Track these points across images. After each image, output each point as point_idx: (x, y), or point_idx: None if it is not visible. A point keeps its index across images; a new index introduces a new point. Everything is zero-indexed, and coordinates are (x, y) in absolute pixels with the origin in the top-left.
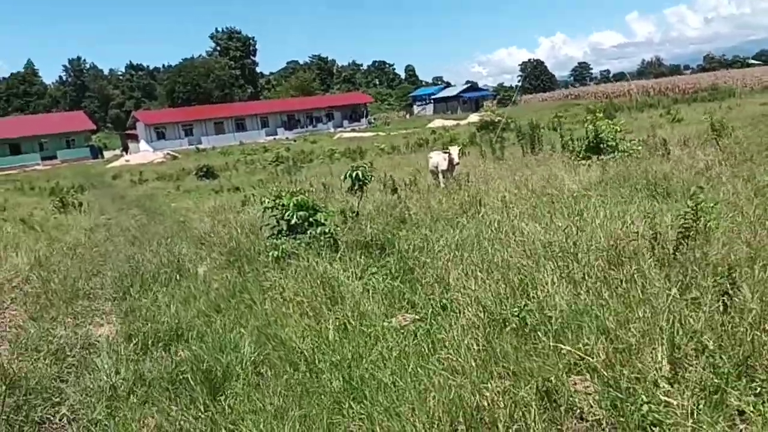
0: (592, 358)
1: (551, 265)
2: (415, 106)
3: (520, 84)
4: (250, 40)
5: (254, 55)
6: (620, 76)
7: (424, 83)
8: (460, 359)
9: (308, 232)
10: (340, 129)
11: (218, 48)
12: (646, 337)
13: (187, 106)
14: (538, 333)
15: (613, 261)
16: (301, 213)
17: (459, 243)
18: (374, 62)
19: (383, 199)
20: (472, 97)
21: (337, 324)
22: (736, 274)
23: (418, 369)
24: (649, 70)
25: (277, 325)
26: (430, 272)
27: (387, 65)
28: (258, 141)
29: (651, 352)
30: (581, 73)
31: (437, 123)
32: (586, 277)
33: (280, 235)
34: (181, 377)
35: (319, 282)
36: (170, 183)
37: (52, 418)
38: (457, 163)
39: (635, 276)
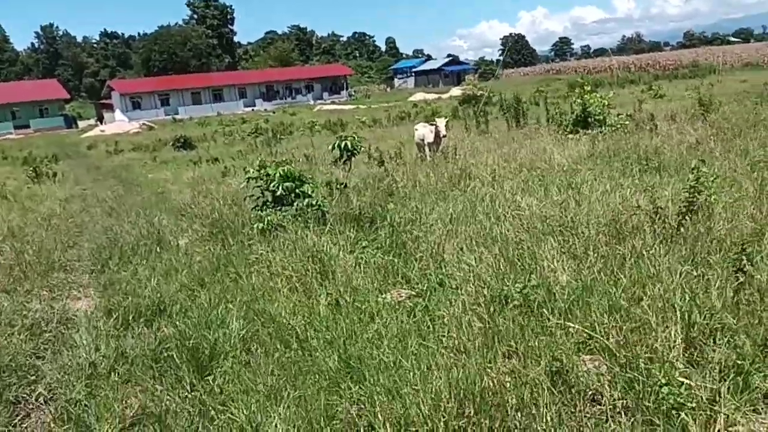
0: (603, 336)
1: (552, 240)
2: (396, 79)
3: (502, 58)
4: (228, 9)
5: (232, 24)
6: (600, 52)
7: (404, 56)
8: (462, 337)
9: (295, 204)
10: (319, 101)
11: (195, 16)
12: (660, 315)
13: (164, 76)
14: (544, 310)
15: (615, 235)
16: (287, 184)
17: (452, 216)
18: (354, 34)
19: (369, 172)
20: (453, 71)
21: (329, 299)
22: (750, 250)
23: (420, 348)
24: (630, 47)
25: (265, 300)
26: (423, 246)
27: (367, 37)
28: (236, 112)
29: (665, 331)
30: (562, 48)
31: (419, 96)
32: (589, 252)
33: (265, 207)
34: (165, 355)
35: (308, 256)
36: (147, 154)
37: (27, 398)
38: (444, 136)
39: (642, 251)
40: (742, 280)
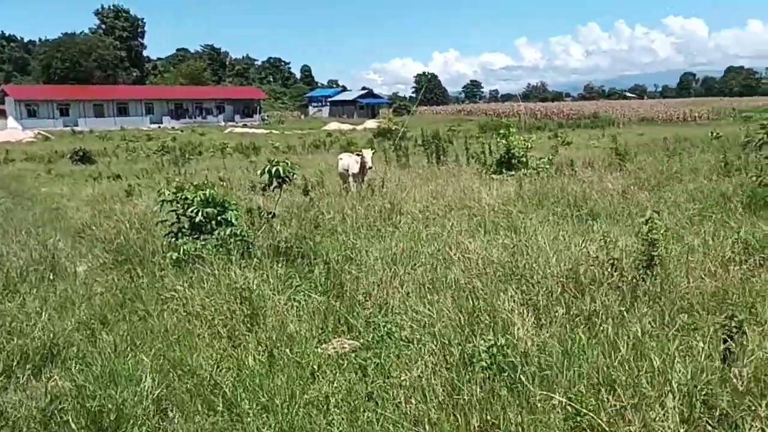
0: (593, 412)
1: (510, 290)
2: (310, 107)
3: (418, 96)
4: (139, 21)
5: (142, 38)
6: (508, 97)
7: (320, 85)
8: (424, 405)
9: (215, 232)
10: (231, 123)
11: (104, 26)
12: (656, 389)
13: (65, 85)
14: (520, 376)
15: (575, 287)
16: (208, 210)
17: (393, 256)
18: (270, 58)
19: (292, 201)
20: (368, 104)
21: (260, 349)
22: (742, 317)
23: (375, 417)
24: (535, 94)
25: (182, 347)
26: (364, 288)
27: (283, 63)
28: (141, 128)
29: (663, 407)
30: (472, 90)
31: (333, 126)
32: (551, 305)
33: (180, 235)
34: (59, 418)
35: (233, 294)
36: (41, 165)
37: None
38: (370, 167)
39: (608, 309)
40: (733, 350)
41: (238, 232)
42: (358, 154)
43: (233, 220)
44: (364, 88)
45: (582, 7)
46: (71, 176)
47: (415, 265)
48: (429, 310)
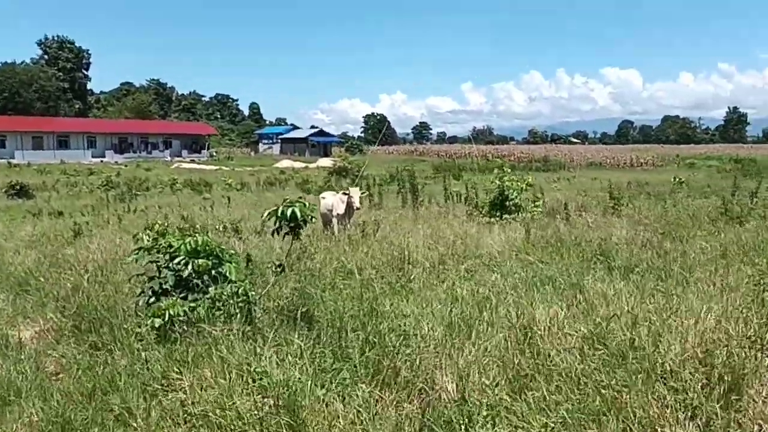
0: None
1: (647, 384)
2: (261, 144)
3: (381, 136)
4: (84, 53)
5: (87, 69)
6: (454, 139)
7: (268, 122)
8: None
9: (210, 290)
10: (178, 158)
11: (46, 56)
12: None
13: (2, 115)
14: None
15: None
16: (200, 262)
17: (449, 325)
18: (217, 95)
19: (272, 246)
20: (320, 142)
21: None
22: None
23: None
24: (481, 137)
25: None
26: (423, 371)
27: (231, 100)
28: (82, 162)
29: None
30: (421, 132)
31: (286, 163)
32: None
33: (162, 293)
34: None
35: (257, 387)
36: None
37: None
38: (358, 208)
39: None
40: None
41: (239, 291)
42: (344, 194)
43: (232, 276)
44: (313, 127)
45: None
46: (7, 212)
47: (480, 338)
48: (540, 413)
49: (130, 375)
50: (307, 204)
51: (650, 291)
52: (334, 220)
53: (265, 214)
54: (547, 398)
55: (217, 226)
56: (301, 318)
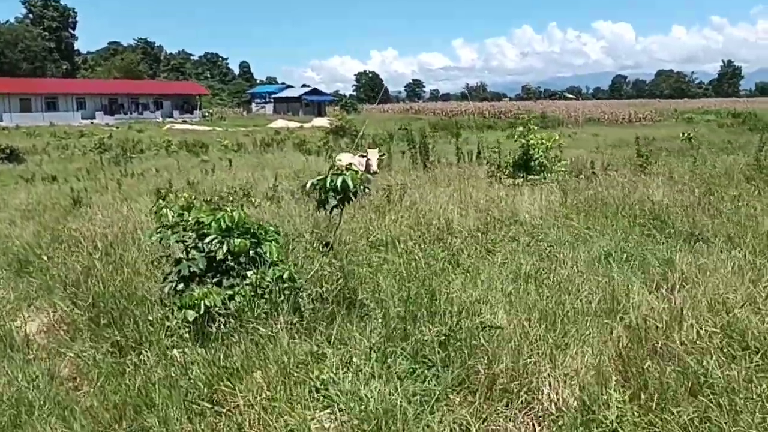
0: None
1: None
2: (253, 104)
3: (380, 95)
4: (70, 12)
5: (74, 29)
6: (447, 97)
7: (258, 81)
8: None
9: (247, 275)
10: (170, 119)
11: (31, 15)
12: None
13: None
14: None
15: None
16: (237, 241)
17: (536, 316)
18: (206, 54)
19: (294, 215)
20: (314, 101)
21: None
22: None
23: None
24: (475, 94)
25: None
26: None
27: (220, 59)
28: (72, 124)
29: None
30: (414, 89)
31: (280, 123)
32: None
33: (192, 278)
34: None
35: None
36: None
37: None
38: (375, 172)
39: None
40: None
41: (285, 276)
42: (362, 155)
43: (273, 257)
44: (305, 85)
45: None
46: None
47: (579, 332)
48: None
49: (167, 385)
50: (357, 172)
51: (744, 266)
52: None
53: (309, 184)
54: (701, 419)
55: (225, 191)
56: (350, 305)
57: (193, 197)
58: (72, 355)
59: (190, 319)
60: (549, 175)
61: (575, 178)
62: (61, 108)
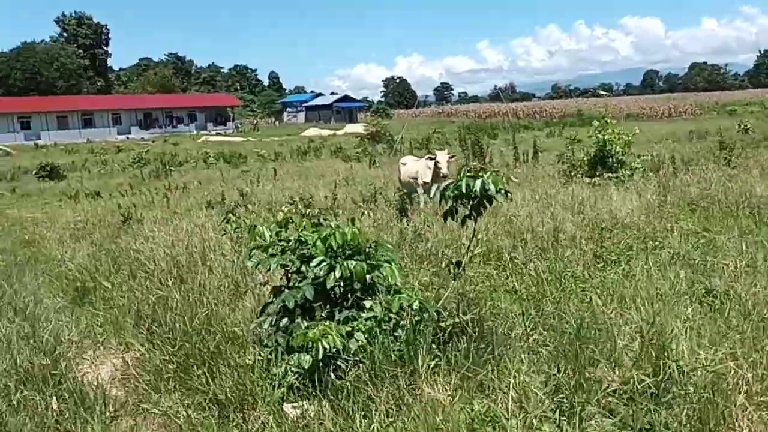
0: None
1: None
2: (284, 113)
3: (418, 98)
4: (103, 28)
5: (107, 45)
6: (474, 99)
7: (287, 91)
8: None
9: (365, 304)
10: (204, 132)
11: (65, 34)
12: None
13: (25, 96)
14: None
15: None
16: (353, 264)
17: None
18: (236, 66)
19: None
20: (346, 108)
21: None
22: None
23: None
24: (504, 95)
25: None
26: None
27: (249, 70)
28: (108, 139)
29: None
30: (442, 93)
31: (312, 131)
32: None
33: (294, 312)
34: None
35: None
36: (3, 183)
37: None
38: (445, 175)
39: None
40: None
41: (411, 303)
42: (429, 158)
43: (397, 281)
44: (333, 93)
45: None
46: (41, 195)
47: None
48: None
49: None
50: (498, 174)
51: None
52: (420, 190)
53: (434, 190)
54: None
55: (284, 201)
56: (480, 337)
57: (293, 211)
58: (158, 412)
59: (306, 366)
60: (627, 172)
61: (655, 174)
62: (98, 124)
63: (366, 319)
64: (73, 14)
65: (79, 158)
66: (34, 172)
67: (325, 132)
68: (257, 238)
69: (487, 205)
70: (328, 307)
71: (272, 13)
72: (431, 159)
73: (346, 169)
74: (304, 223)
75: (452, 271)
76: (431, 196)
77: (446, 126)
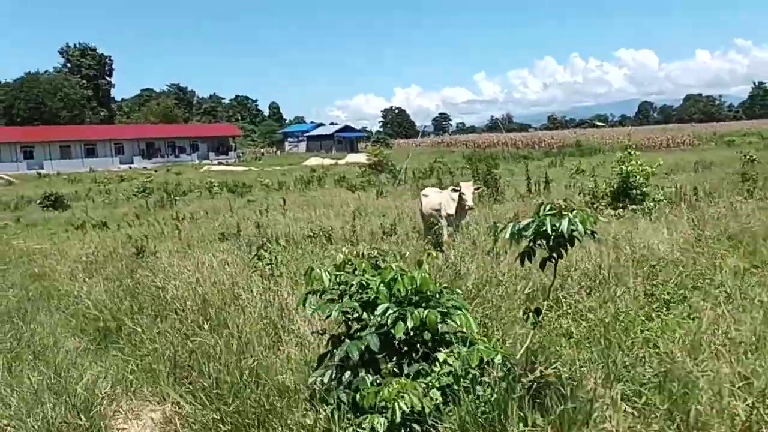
0: None
1: None
2: (286, 143)
3: (423, 127)
4: (106, 59)
5: (110, 76)
6: (472, 130)
7: (287, 121)
8: None
9: (438, 357)
10: (206, 161)
11: (69, 64)
12: None
13: (29, 126)
14: None
15: None
16: (425, 313)
17: None
18: (237, 96)
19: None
20: (346, 137)
21: None
22: None
23: None
24: (501, 126)
25: None
26: None
27: (250, 101)
28: (111, 169)
29: None
30: (441, 123)
31: (314, 161)
32: None
33: (358, 363)
34: None
35: None
36: (7, 213)
37: None
38: (470, 208)
39: None
40: None
41: (497, 360)
42: (454, 189)
43: (473, 331)
44: (333, 123)
45: (537, 42)
46: (46, 225)
47: None
48: None
49: None
50: (589, 212)
51: None
52: (444, 222)
53: (503, 232)
54: None
55: (305, 234)
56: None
57: (353, 253)
58: None
59: (381, 430)
60: (651, 204)
61: (676, 206)
62: (100, 153)
63: (442, 374)
64: (77, 45)
65: (83, 187)
66: (38, 201)
67: (327, 161)
68: (314, 282)
69: (571, 245)
70: (394, 359)
71: (269, 45)
72: (456, 191)
73: (354, 198)
74: (364, 265)
75: (532, 318)
76: (456, 227)
77: (446, 155)
